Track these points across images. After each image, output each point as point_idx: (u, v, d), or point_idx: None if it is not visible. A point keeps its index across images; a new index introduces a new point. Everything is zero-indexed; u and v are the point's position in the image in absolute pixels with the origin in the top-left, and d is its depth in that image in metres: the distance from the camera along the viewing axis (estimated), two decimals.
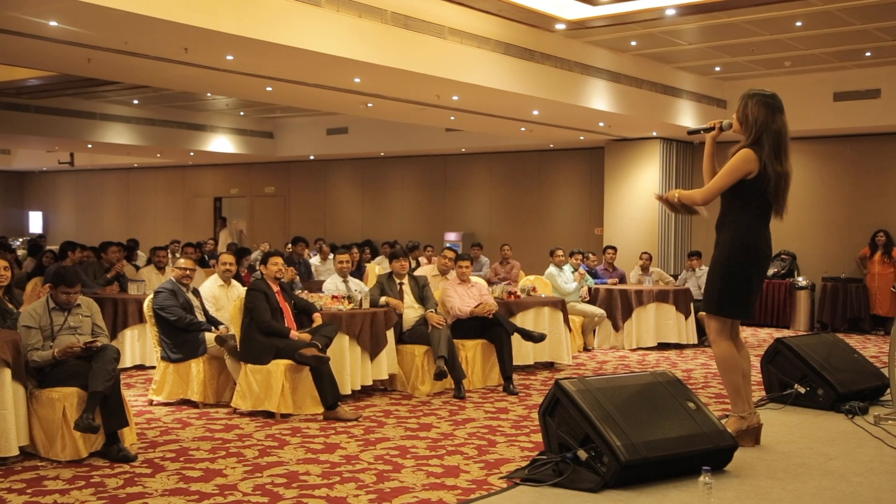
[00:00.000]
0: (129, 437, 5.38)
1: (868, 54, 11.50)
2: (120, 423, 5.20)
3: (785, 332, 12.20)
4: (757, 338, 11.73)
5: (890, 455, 5.02)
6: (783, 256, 13.50)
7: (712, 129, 5.30)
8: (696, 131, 5.50)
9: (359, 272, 11.39)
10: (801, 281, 13.12)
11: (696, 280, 11.44)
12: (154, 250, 10.22)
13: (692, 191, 5.16)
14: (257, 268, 9.59)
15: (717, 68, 12.57)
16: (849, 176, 13.51)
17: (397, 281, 7.86)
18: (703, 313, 5.30)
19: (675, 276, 12.03)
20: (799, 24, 10.01)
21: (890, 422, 5.73)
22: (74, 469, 4.94)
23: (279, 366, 6.38)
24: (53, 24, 7.32)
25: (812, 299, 13.10)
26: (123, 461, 5.05)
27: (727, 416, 5.27)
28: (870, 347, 10.81)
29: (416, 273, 8.69)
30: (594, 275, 11.29)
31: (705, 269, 11.38)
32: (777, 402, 6.44)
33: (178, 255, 13.30)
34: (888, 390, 6.26)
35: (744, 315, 5.16)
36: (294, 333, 6.60)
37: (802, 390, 6.35)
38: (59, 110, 15.58)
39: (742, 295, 5.05)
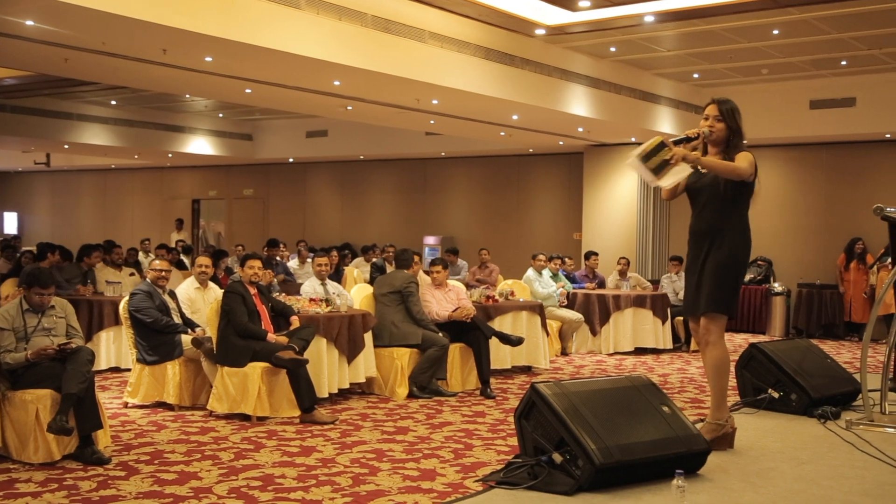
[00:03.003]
0: (103, 439, 5.34)
1: (844, 63, 11.64)
2: (94, 426, 5.16)
3: (761, 338, 12.31)
4: (733, 343, 11.81)
5: (861, 459, 5.08)
6: (759, 262, 13.61)
7: (696, 137, 5.08)
8: (678, 143, 5.00)
9: (337, 275, 11.36)
10: (776, 287, 13.24)
11: (672, 285, 11.51)
12: (111, 247, 10.52)
13: (727, 162, 4.98)
14: (234, 270, 9.57)
15: (696, 75, 12.66)
16: (824, 183, 13.66)
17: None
18: (701, 316, 5.23)
19: (654, 282, 12.09)
20: (776, 32, 10.12)
21: (861, 427, 5.80)
22: (47, 472, 4.90)
23: (256, 368, 6.36)
24: (30, 23, 7.26)
25: (788, 305, 13.21)
26: (97, 464, 5.02)
27: (702, 420, 5.31)
28: (843, 353, 10.92)
29: None
30: (572, 279, 11.34)
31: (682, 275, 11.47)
32: (751, 406, 6.51)
33: (150, 253, 13.24)
34: (860, 395, 6.33)
35: (735, 314, 5.33)
36: (271, 336, 6.59)
37: (776, 395, 6.42)
38: (35, 110, 15.43)
39: (738, 294, 5.24)
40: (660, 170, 4.92)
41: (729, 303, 5.17)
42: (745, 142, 5.16)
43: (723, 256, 5.14)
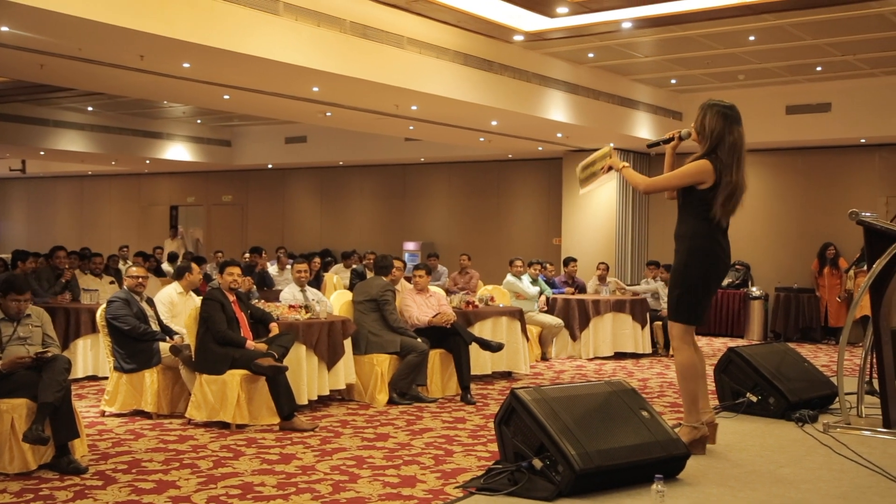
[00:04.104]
0: (79, 448, 5.28)
1: (819, 69, 11.76)
2: (70, 435, 5.11)
3: (739, 342, 12.38)
4: (711, 347, 11.88)
5: (838, 462, 5.12)
6: (738, 267, 13.71)
7: (671, 139, 5.39)
8: (656, 143, 5.56)
9: (317, 282, 11.33)
10: (754, 291, 13.34)
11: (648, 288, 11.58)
12: (88, 256, 10.32)
13: (639, 175, 5.32)
14: (213, 277, 9.51)
15: (673, 81, 12.75)
16: (800, 188, 13.79)
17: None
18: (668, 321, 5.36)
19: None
20: (752, 38, 10.21)
21: (838, 430, 5.84)
22: (23, 482, 4.84)
23: (235, 376, 6.33)
24: (5, 29, 7.20)
25: (765, 309, 13.32)
26: (74, 473, 4.97)
27: (680, 424, 5.33)
28: (821, 357, 11.00)
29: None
30: (552, 285, 11.36)
31: (656, 281, 11.53)
32: (729, 410, 6.53)
33: (128, 260, 13.14)
34: (837, 399, 6.38)
35: (699, 321, 5.23)
36: (250, 343, 6.56)
37: (754, 399, 6.45)
38: (10, 116, 15.29)
39: (701, 301, 5.14)
40: (589, 177, 5.40)
41: (678, 309, 5.15)
42: (721, 147, 5.02)
43: (676, 263, 5.20)
